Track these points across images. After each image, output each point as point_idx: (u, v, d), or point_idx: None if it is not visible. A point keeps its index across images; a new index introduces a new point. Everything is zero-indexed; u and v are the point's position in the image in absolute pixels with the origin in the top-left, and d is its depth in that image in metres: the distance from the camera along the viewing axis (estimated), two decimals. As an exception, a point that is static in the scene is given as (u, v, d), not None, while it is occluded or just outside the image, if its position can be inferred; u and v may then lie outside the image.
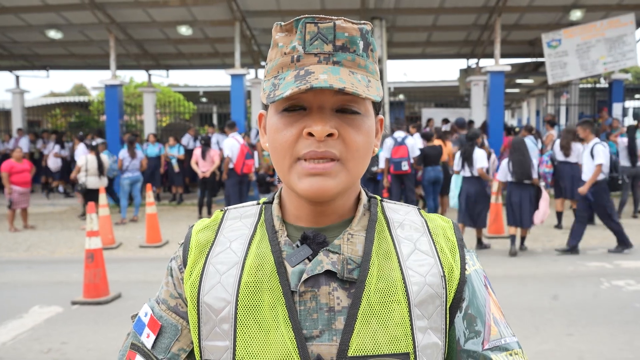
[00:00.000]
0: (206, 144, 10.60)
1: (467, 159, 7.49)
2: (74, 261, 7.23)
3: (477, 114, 13.98)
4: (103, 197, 8.46)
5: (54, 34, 13.42)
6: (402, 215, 0.91)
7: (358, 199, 0.90)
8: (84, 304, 5.45)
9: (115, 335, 4.49)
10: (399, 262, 0.83)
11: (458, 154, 7.79)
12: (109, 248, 7.89)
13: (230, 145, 9.33)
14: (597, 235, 8.24)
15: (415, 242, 0.86)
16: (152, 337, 0.88)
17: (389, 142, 8.71)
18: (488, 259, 6.92)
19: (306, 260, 0.82)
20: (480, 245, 7.63)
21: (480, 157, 7.42)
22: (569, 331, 4.45)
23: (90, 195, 9.42)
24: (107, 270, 5.71)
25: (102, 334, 4.66)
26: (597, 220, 9.51)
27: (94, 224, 5.72)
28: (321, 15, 0.79)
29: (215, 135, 12.79)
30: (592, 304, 5.14)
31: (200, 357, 0.84)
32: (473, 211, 7.45)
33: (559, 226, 9.06)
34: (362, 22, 0.82)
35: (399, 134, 8.72)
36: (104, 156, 9.82)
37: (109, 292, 5.63)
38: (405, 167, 8.61)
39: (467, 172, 7.53)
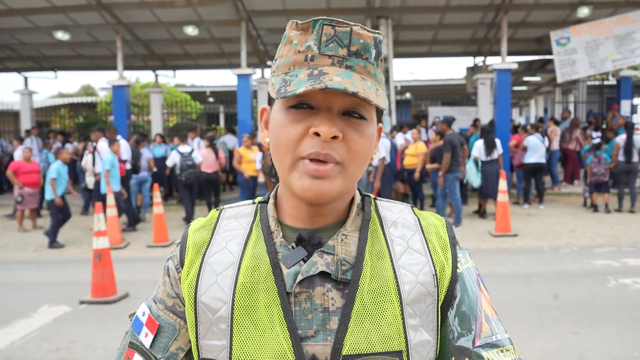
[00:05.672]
0: (212, 145, 10.64)
1: (493, 146, 9.38)
2: (82, 261, 7.30)
3: (484, 112, 13.92)
4: (111, 198, 8.45)
5: (61, 36, 13.50)
6: (395, 214, 0.92)
7: (353, 199, 0.91)
8: (92, 303, 5.50)
9: (123, 334, 4.52)
10: (392, 261, 0.84)
11: (481, 143, 9.46)
12: (116, 248, 7.94)
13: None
14: (604, 233, 8.20)
15: (408, 241, 0.87)
16: (151, 336, 0.90)
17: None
18: (494, 257, 6.91)
19: (301, 262, 0.83)
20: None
21: (499, 144, 9.50)
22: (575, 329, 4.44)
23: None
24: (114, 269, 5.76)
25: (110, 333, 4.70)
26: (605, 217, 9.48)
27: (101, 224, 5.76)
28: (339, 19, 0.79)
29: (227, 136, 13.95)
30: (599, 302, 5.11)
31: (198, 355, 0.85)
32: (495, 185, 9.06)
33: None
34: (377, 32, 0.83)
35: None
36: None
37: (117, 292, 5.67)
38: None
39: (489, 157, 9.39)
